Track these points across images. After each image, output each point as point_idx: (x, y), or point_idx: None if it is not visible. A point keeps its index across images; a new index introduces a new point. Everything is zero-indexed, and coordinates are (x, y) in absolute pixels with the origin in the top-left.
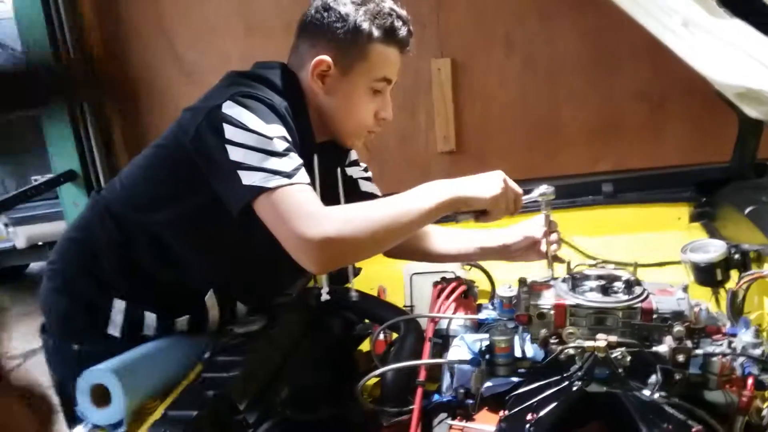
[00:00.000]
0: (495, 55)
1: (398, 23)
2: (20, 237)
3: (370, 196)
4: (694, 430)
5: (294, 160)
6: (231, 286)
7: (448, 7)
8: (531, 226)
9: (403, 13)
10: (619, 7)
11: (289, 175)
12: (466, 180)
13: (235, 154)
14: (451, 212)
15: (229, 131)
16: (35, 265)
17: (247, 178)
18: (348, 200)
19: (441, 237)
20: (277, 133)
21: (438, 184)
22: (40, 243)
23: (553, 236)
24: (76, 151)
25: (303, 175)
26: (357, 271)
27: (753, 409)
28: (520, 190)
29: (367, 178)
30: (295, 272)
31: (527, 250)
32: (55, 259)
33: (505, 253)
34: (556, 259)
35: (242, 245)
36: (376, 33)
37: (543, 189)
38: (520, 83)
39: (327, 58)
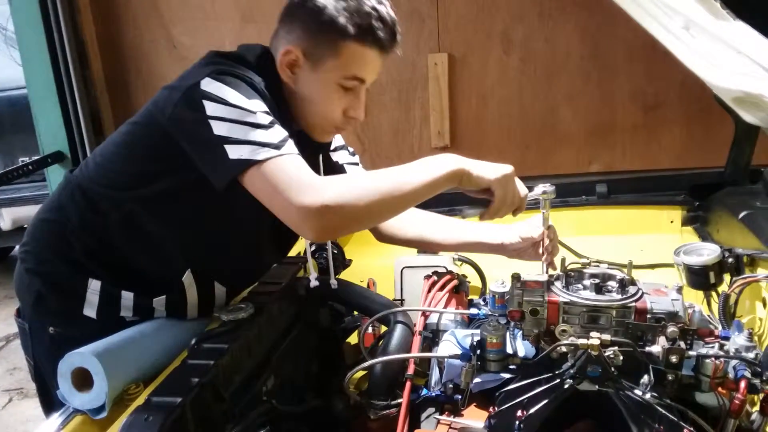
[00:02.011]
0: (493, 51)
1: (377, 24)
2: (6, 219)
3: None
4: (684, 431)
5: (280, 131)
6: (208, 265)
7: (447, 2)
8: (529, 227)
9: (388, 13)
10: (620, 8)
11: (277, 147)
12: (474, 160)
13: (219, 128)
14: (454, 186)
15: (210, 107)
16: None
17: (234, 152)
18: None
19: (440, 225)
20: (259, 107)
21: (444, 156)
22: (25, 225)
23: (552, 240)
24: (65, 133)
25: (291, 146)
26: (347, 263)
27: (744, 412)
28: (526, 190)
29: (355, 164)
30: (275, 250)
31: (524, 250)
32: (28, 240)
33: (501, 250)
34: (551, 264)
35: (221, 223)
36: (351, 31)
37: (545, 188)
38: (517, 81)
39: (295, 48)
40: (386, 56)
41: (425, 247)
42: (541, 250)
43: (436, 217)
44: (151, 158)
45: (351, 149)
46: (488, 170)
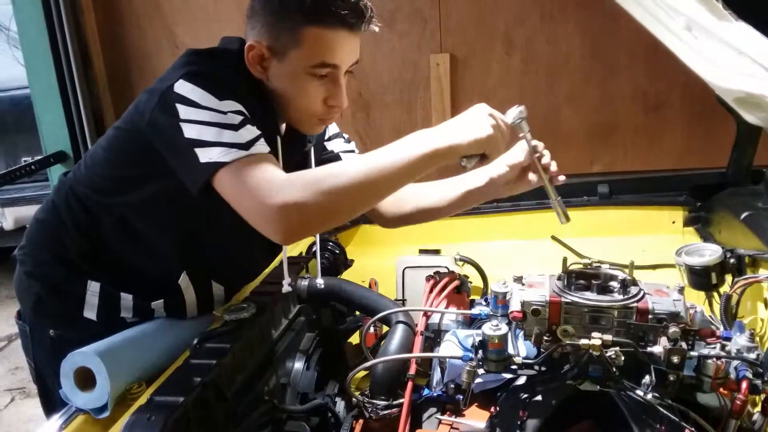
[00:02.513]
0: (495, 52)
1: (337, 1)
2: (8, 218)
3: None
4: (686, 431)
5: (250, 131)
6: (203, 266)
7: (449, 2)
8: (512, 154)
9: None
10: (621, 9)
11: (245, 147)
12: (450, 125)
13: (189, 131)
14: (439, 165)
15: (182, 111)
16: None
17: (204, 155)
18: None
19: (431, 191)
20: (230, 107)
21: (420, 134)
22: (27, 225)
23: (545, 156)
24: (67, 133)
25: (261, 145)
26: (349, 264)
27: (746, 413)
28: (504, 117)
29: (350, 151)
30: (268, 248)
31: (516, 180)
32: (25, 243)
33: (493, 188)
34: (553, 180)
35: (209, 224)
36: (306, 15)
37: (516, 111)
38: (519, 81)
39: (258, 44)
40: (358, 33)
41: (428, 217)
42: (535, 176)
43: (426, 184)
44: (134, 164)
45: (346, 136)
46: (471, 132)
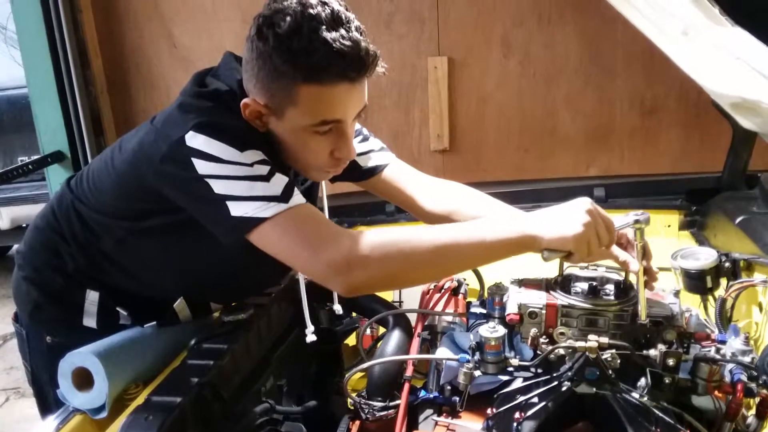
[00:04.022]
0: (492, 55)
1: (333, 57)
2: (4, 218)
3: (376, 170)
4: None
5: (281, 180)
6: (202, 292)
7: (447, 5)
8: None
9: (350, 38)
10: (618, 13)
11: (283, 199)
12: (545, 214)
13: (218, 186)
14: (521, 253)
15: (201, 165)
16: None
17: (237, 209)
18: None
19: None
20: (254, 158)
21: (511, 217)
22: (24, 225)
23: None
24: (65, 133)
25: (298, 196)
26: None
27: (740, 416)
28: (609, 218)
29: (367, 152)
30: (273, 275)
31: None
32: (25, 248)
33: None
34: (647, 285)
35: (213, 255)
36: (300, 75)
37: (636, 217)
38: (517, 85)
39: (253, 102)
40: (361, 83)
41: None
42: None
43: (481, 199)
44: (140, 199)
45: (359, 135)
46: (561, 228)
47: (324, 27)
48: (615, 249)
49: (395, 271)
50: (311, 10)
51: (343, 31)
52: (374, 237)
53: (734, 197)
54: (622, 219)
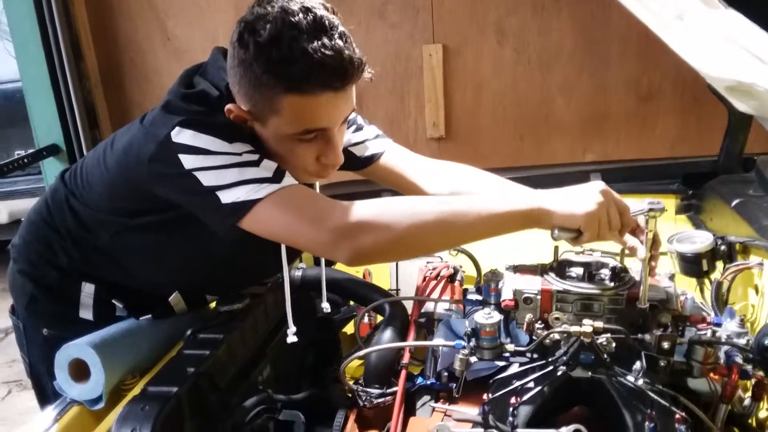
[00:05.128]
0: (487, 42)
1: (315, 67)
2: (2, 212)
3: (373, 159)
4: (677, 416)
5: (272, 164)
6: (197, 286)
7: None
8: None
9: (332, 46)
10: None
11: (275, 180)
12: (556, 192)
13: (207, 179)
14: (530, 228)
15: (189, 160)
16: None
17: (228, 197)
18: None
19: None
20: (243, 148)
21: (520, 191)
22: (23, 219)
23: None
24: (60, 126)
25: (290, 178)
26: None
27: (735, 398)
28: (625, 203)
29: (362, 141)
30: (274, 265)
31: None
32: (18, 242)
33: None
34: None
35: (210, 249)
36: (281, 86)
37: (651, 205)
38: (512, 72)
39: (236, 108)
40: (347, 90)
41: None
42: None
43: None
44: (134, 199)
45: (354, 124)
46: (571, 205)
47: (305, 36)
48: (625, 234)
49: (401, 235)
50: (293, 18)
51: (325, 40)
52: (379, 202)
53: (730, 180)
54: (637, 205)
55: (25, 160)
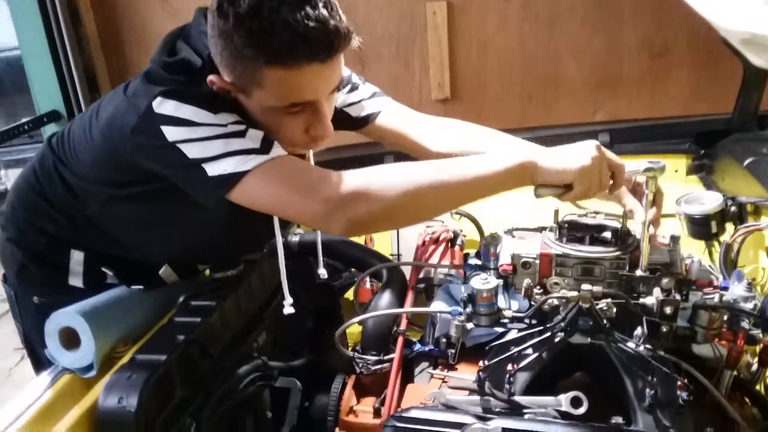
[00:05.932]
0: None
1: (297, 38)
2: (11, 179)
3: (369, 118)
4: (678, 383)
5: (258, 133)
6: (187, 257)
7: None
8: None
9: (316, 16)
10: None
11: (263, 151)
12: (549, 149)
13: (192, 151)
14: (525, 184)
15: (172, 132)
16: None
17: (214, 169)
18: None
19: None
20: (228, 119)
21: (513, 149)
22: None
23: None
24: (60, 92)
25: (278, 148)
26: None
27: (743, 363)
28: (620, 161)
29: (358, 101)
30: (265, 234)
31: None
32: (7, 210)
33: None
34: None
35: (200, 220)
36: (262, 58)
37: (650, 164)
38: (519, 30)
39: (218, 79)
40: (334, 60)
41: None
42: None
43: (487, 134)
44: (121, 171)
45: (348, 84)
46: (564, 160)
47: (286, 6)
48: (626, 196)
49: (396, 203)
50: None
51: (308, 9)
52: (369, 171)
53: (744, 139)
54: (635, 165)
55: (26, 127)
